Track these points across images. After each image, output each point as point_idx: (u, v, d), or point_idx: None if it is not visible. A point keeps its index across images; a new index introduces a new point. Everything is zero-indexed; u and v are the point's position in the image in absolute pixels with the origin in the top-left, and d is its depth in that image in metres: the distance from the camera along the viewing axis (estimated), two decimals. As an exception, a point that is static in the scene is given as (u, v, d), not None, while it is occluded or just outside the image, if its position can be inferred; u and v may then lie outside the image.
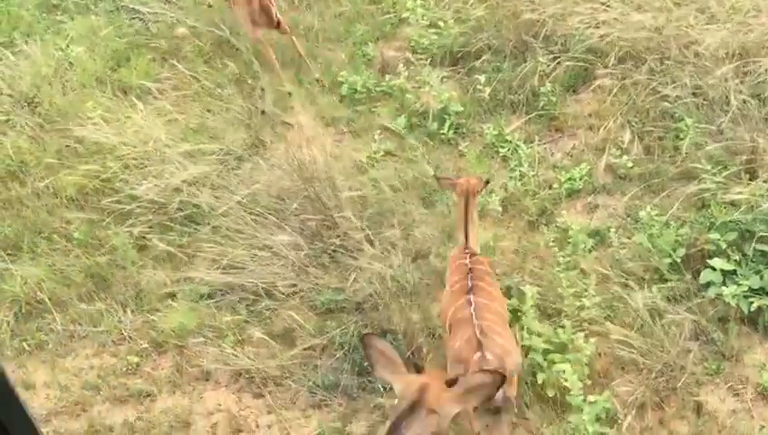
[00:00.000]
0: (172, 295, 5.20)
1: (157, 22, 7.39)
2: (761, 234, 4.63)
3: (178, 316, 5.05)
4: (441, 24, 6.79)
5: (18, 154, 6.15)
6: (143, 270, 5.31)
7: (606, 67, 5.98)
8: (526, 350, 4.34)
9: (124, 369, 4.90)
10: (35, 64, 6.88)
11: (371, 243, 5.19)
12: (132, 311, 5.16)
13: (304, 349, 4.82)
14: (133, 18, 7.58)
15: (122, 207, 5.62)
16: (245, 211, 5.47)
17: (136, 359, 4.92)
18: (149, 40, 7.24)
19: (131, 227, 5.52)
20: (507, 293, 4.81)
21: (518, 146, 5.81)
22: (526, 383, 4.35)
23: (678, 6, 6.17)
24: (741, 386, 4.37)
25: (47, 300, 5.19)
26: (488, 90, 6.19)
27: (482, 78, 6.24)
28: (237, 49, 6.95)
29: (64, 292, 5.27)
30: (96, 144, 5.99)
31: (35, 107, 6.55)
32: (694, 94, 5.65)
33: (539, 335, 4.40)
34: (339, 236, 5.17)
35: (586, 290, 4.64)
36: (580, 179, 5.47)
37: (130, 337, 5.04)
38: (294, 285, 5.09)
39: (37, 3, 7.93)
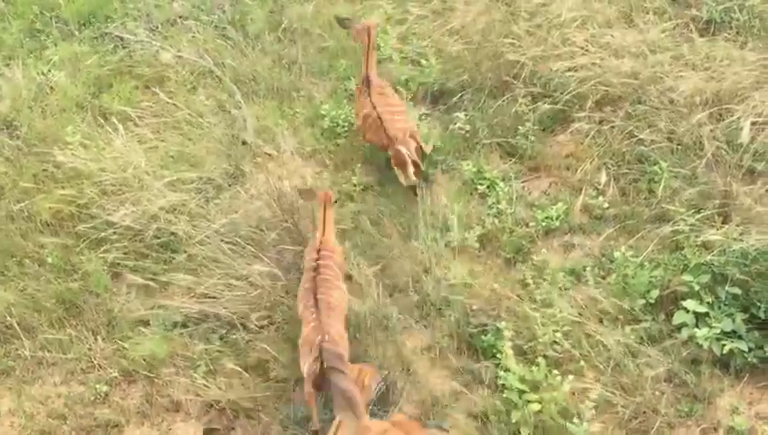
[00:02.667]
0: (145, 323, 5.14)
1: (141, 50, 7.40)
2: (733, 277, 4.70)
3: (150, 345, 4.98)
4: (423, 61, 6.90)
5: (-6, 177, 6.11)
6: (116, 297, 5.25)
7: (584, 110, 6.09)
8: (501, 388, 4.34)
9: (92, 398, 4.81)
10: (16, 88, 6.86)
11: (349, 276, 5.18)
12: (103, 338, 5.09)
13: (277, 381, 4.77)
14: (117, 45, 7.59)
15: (98, 234, 5.57)
16: (223, 240, 5.45)
17: (105, 388, 4.84)
18: (133, 67, 7.25)
19: (106, 253, 5.47)
20: (483, 330, 4.83)
21: (496, 183, 5.87)
22: (501, 423, 4.34)
23: (654, 53, 6.32)
24: (713, 429, 4.39)
25: (16, 325, 5.10)
26: (467, 127, 6.28)
27: (461, 115, 6.33)
28: (220, 79, 6.99)
29: (34, 317, 5.19)
30: (74, 169, 5.95)
31: (14, 130, 6.51)
32: (669, 139, 5.77)
33: (514, 373, 4.40)
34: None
35: (561, 328, 4.67)
36: (557, 218, 5.52)
37: (100, 365, 4.96)
38: (270, 316, 5.05)
39: (21, 28, 7.91)
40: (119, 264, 5.42)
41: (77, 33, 7.79)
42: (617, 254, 5.08)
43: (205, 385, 4.74)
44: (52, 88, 6.94)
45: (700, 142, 5.68)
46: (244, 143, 6.40)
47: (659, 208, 5.42)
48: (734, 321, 4.60)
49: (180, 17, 7.97)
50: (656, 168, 5.58)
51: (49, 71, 7.11)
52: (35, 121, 6.55)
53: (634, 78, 6.13)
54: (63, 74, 7.06)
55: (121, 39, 7.63)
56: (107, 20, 7.97)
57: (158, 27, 7.79)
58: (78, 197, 5.80)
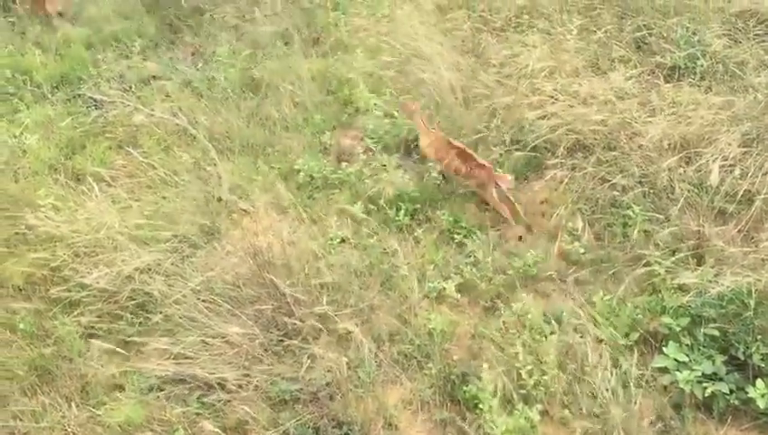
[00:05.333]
0: (120, 388, 5.02)
1: (115, 110, 7.42)
2: (711, 318, 4.72)
3: (126, 410, 4.85)
4: (395, 113, 6.98)
5: (-36, 242, 6.01)
6: (90, 362, 5.13)
7: (556, 157, 6.18)
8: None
9: (66, 468, 4.66)
10: (-13, 152, 6.82)
11: (328, 330, 5.13)
12: (77, 405, 4.95)
13: (257, 442, 4.66)
14: (90, 107, 7.60)
15: (71, 296, 5.48)
16: (199, 299, 5.37)
17: (79, 457, 4.69)
18: (106, 128, 7.25)
19: (79, 316, 5.37)
20: (465, 380, 4.78)
21: (473, 232, 5.89)
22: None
23: (621, 100, 6.45)
24: (699, 474, 4.35)
25: (-13, 394, 4.96)
26: (441, 177, 6.32)
27: (435, 165, 6.37)
28: (194, 137, 7.00)
29: (6, 386, 5.04)
30: (46, 232, 5.86)
31: (-15, 194, 6.45)
32: (641, 183, 5.85)
33: (498, 426, 4.34)
34: (294, 323, 5.10)
35: (545, 374, 4.63)
36: (534, 265, 5.54)
37: (74, 433, 4.81)
38: (248, 375, 4.96)
39: (-8, 92, 7.93)
40: (92, 327, 5.31)
41: (50, 95, 7.82)
42: (595, 298, 5.09)
43: (183, 450, 4.61)
44: (24, 151, 6.91)
45: (671, 186, 5.76)
46: (219, 200, 6.38)
47: (634, 252, 5.45)
48: (713, 363, 4.60)
49: (154, 77, 8.04)
50: (629, 211, 5.64)
51: (21, 133, 7.09)
52: (7, 185, 6.49)
53: (603, 125, 6.24)
54: (36, 137, 7.03)
55: (95, 100, 7.66)
56: (80, 82, 8.02)
57: (131, 87, 7.84)
58: (50, 260, 5.71)
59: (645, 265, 5.24)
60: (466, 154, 6.12)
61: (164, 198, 6.39)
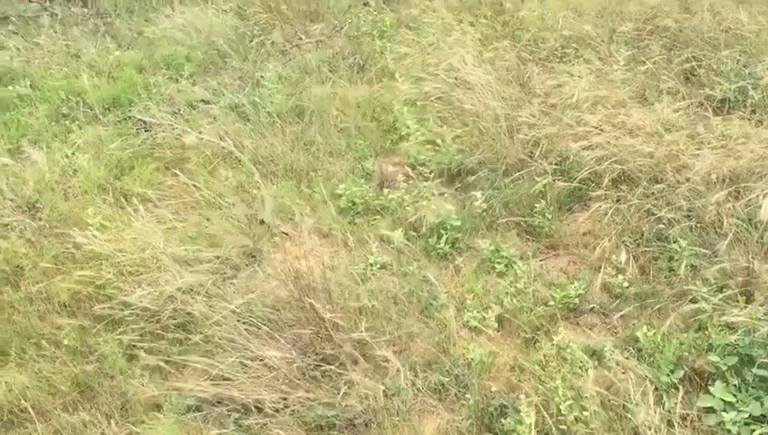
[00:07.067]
0: (158, 407, 5.06)
1: (163, 132, 7.58)
2: (760, 359, 4.57)
3: (164, 429, 4.88)
4: (439, 141, 6.99)
5: (15, 258, 6.16)
6: (131, 380, 5.19)
7: (600, 188, 6.10)
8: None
9: (104, 484, 4.70)
10: (40, 171, 7.01)
11: (365, 357, 5.11)
12: (117, 422, 5.00)
13: (292, 467, 4.65)
14: (140, 129, 7.79)
15: (114, 314, 5.56)
16: (239, 321, 5.41)
17: (117, 474, 4.73)
18: (154, 150, 7.42)
19: (122, 334, 5.45)
20: (503, 412, 4.70)
21: (514, 262, 5.83)
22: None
23: (669, 132, 6.36)
24: None
25: (30, 409, 5.03)
26: (484, 206, 6.29)
27: (478, 194, 6.35)
28: (239, 160, 7.11)
29: (49, 401, 5.13)
30: (93, 250, 6.00)
31: (37, 212, 6.62)
32: (688, 217, 5.74)
33: (536, 459, 4.26)
34: (332, 348, 5.09)
35: (585, 411, 4.53)
36: (576, 297, 5.45)
37: (113, 450, 4.86)
38: (285, 399, 4.95)
39: (47, 112, 8.17)
40: (134, 346, 5.38)
41: (101, 117, 8.03)
42: (639, 333, 4.98)
43: (218, 472, 4.62)
44: (75, 171, 7.09)
45: (719, 220, 5.64)
46: (261, 223, 6.45)
47: (680, 287, 5.33)
48: (762, 404, 4.44)
49: (201, 101, 8.22)
50: (675, 246, 5.53)
51: (73, 153, 7.28)
52: (57, 203, 6.66)
53: (650, 157, 6.15)
54: (87, 157, 7.22)
55: (144, 122, 7.85)
56: (130, 104, 8.23)
57: (179, 111, 8.02)
58: (96, 277, 5.82)
59: (691, 302, 5.12)
60: None
61: (208, 219, 6.48)
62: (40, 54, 9.30)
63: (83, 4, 10.38)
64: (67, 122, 8.00)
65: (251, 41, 9.31)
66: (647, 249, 5.72)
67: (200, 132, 7.49)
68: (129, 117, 8.00)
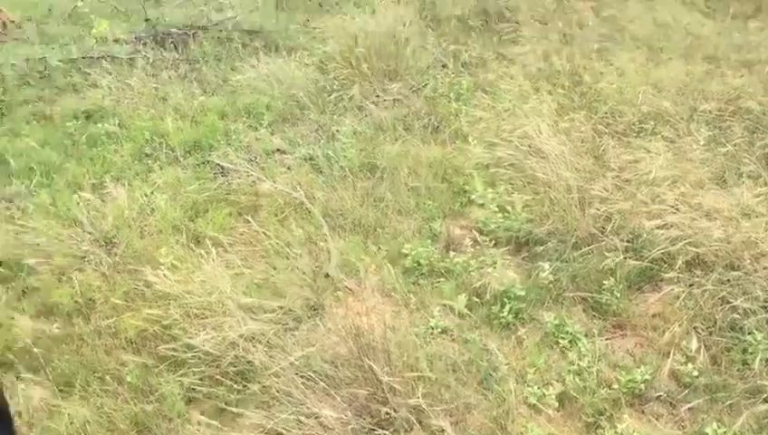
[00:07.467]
0: (213, 454, 5.10)
1: (239, 178, 7.79)
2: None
3: (215, 478, 4.91)
4: (509, 208, 6.96)
5: (89, 291, 6.36)
6: (187, 424, 5.25)
7: (673, 270, 5.95)
8: None
9: None
10: (119, 207, 7.27)
11: (420, 424, 5.04)
12: (171, 466, 5.06)
13: None
14: (216, 173, 8.03)
15: (177, 355, 5.66)
16: (297, 374, 5.43)
17: None
18: (229, 195, 7.62)
19: (183, 376, 5.53)
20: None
21: (578, 339, 5.70)
22: None
23: (747, 218, 6.18)
24: None
25: (88, 443, 5.15)
26: (551, 278, 6.20)
27: (546, 265, 6.27)
28: (309, 212, 7.23)
29: (106, 437, 5.23)
30: (162, 290, 6.15)
31: (113, 247, 6.85)
32: (765, 308, 5.53)
33: None
34: (387, 413, 5.05)
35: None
36: (642, 382, 5.27)
37: (164, 494, 4.90)
38: (337, 460, 4.92)
39: (131, 151, 8.51)
40: (194, 389, 5.45)
41: (181, 159, 8.31)
42: (708, 430, 4.77)
43: None
44: (152, 210, 7.33)
45: (799, 314, 5.42)
46: (326, 276, 6.51)
47: (755, 382, 5.11)
48: None
49: (278, 150, 8.44)
50: (750, 338, 5.32)
51: (152, 193, 7.54)
52: (133, 240, 6.88)
53: (726, 242, 5.98)
54: (165, 197, 7.46)
55: (221, 167, 8.09)
56: (210, 148, 8.51)
57: (256, 158, 8.24)
58: (163, 317, 5.95)
59: (766, 400, 4.89)
60: None
61: (275, 268, 6.58)
62: (130, 95, 9.73)
63: (175, 49, 10.85)
64: (149, 162, 8.30)
65: (329, 95, 9.53)
66: (719, 338, 5.52)
67: (274, 181, 7.66)
68: (208, 161, 8.26)
